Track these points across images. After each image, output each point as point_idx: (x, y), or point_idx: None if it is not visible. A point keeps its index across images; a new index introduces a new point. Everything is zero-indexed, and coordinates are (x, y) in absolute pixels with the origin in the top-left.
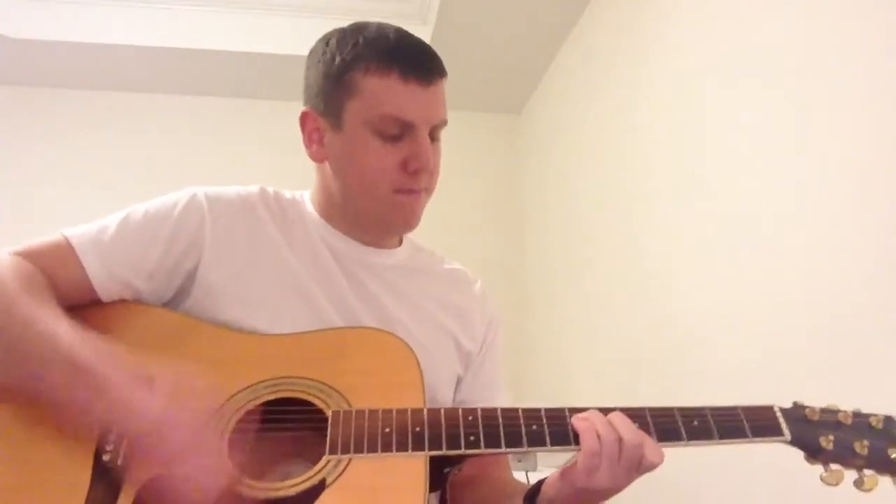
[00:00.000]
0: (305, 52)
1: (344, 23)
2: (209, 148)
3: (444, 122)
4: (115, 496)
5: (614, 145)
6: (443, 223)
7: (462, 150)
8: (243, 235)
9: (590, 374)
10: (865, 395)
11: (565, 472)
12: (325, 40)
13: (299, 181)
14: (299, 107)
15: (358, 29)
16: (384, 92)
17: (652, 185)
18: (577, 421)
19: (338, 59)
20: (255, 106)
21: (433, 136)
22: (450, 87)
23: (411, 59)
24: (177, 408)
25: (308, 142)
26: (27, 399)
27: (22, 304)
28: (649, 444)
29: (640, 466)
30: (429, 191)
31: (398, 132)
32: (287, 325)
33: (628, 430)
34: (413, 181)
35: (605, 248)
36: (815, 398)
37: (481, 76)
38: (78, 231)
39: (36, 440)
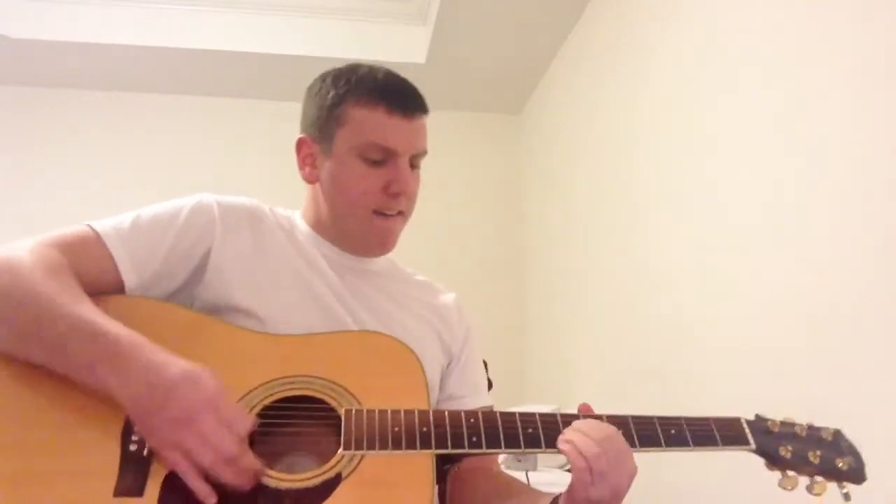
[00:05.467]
0: (306, 52)
1: (345, 23)
2: (209, 148)
3: (425, 152)
4: (143, 483)
5: (614, 145)
6: (443, 223)
7: (462, 150)
8: (250, 235)
9: (589, 373)
10: (862, 395)
11: (570, 489)
12: (323, 78)
13: (299, 181)
14: (300, 106)
15: (352, 69)
16: (370, 122)
17: (652, 185)
18: (561, 444)
19: (332, 93)
20: (256, 106)
21: (413, 164)
22: (450, 87)
23: (397, 96)
24: (199, 367)
25: (302, 164)
26: (55, 376)
27: (44, 286)
28: (617, 439)
29: (618, 456)
30: (406, 215)
31: (381, 158)
32: (299, 315)
33: (602, 436)
34: (392, 203)
35: (605, 247)
36: (813, 399)
37: (481, 76)
38: (101, 222)
39: (64, 427)
